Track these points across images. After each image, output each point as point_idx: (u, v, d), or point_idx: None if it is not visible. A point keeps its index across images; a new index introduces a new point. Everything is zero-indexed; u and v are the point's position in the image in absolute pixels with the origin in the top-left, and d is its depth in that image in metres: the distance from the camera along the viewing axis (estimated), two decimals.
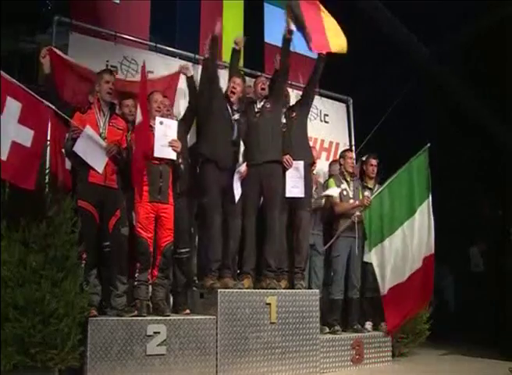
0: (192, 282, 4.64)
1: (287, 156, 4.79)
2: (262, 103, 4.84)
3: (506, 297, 6.01)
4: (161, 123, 4.15)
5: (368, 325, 5.22)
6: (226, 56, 5.35)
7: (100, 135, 3.97)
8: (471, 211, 7.89)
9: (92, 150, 3.90)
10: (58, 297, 3.43)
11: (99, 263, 3.93)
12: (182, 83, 5.06)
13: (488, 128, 7.85)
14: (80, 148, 3.88)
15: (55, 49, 4.36)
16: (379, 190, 5.28)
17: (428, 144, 5.22)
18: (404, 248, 5.09)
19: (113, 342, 3.64)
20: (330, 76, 5.41)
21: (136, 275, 4.04)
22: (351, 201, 5.27)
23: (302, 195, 4.76)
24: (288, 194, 4.76)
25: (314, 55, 5.22)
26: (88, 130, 3.90)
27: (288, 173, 4.78)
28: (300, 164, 4.79)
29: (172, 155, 4.18)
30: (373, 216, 5.16)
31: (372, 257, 5.09)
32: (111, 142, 3.99)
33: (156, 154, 4.10)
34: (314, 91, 5.33)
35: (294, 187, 4.76)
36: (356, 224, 5.18)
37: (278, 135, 4.80)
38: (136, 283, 4.04)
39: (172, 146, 4.16)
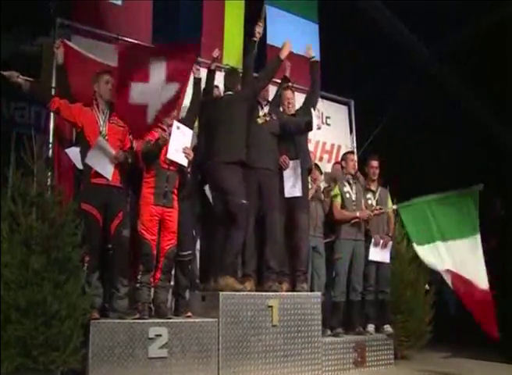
0: (194, 284, 4.63)
1: (284, 156, 4.73)
2: (268, 108, 4.81)
3: (506, 298, 5.99)
4: (178, 127, 4.19)
5: (371, 327, 5.19)
6: (227, 59, 5.34)
7: (100, 133, 4.00)
8: None
9: (102, 159, 3.94)
10: (61, 299, 3.43)
11: (101, 265, 3.92)
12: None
13: (489, 128, 7.85)
14: (91, 158, 3.92)
15: (68, 42, 4.52)
16: (428, 197, 5.13)
17: (482, 185, 4.96)
18: (461, 260, 4.93)
19: (115, 344, 3.63)
20: (332, 78, 5.41)
21: (139, 277, 4.04)
22: (353, 204, 5.24)
23: (300, 194, 4.69)
24: (287, 195, 4.69)
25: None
26: (100, 141, 3.95)
27: (285, 174, 4.72)
28: (297, 163, 4.72)
29: (184, 162, 4.22)
30: (417, 217, 5.13)
31: (420, 252, 5.05)
32: (112, 139, 4.03)
33: (169, 156, 4.12)
34: (317, 95, 5.31)
35: (292, 186, 4.70)
36: (358, 227, 5.19)
37: (275, 146, 4.76)
38: (138, 285, 4.04)
39: (185, 153, 4.19)
